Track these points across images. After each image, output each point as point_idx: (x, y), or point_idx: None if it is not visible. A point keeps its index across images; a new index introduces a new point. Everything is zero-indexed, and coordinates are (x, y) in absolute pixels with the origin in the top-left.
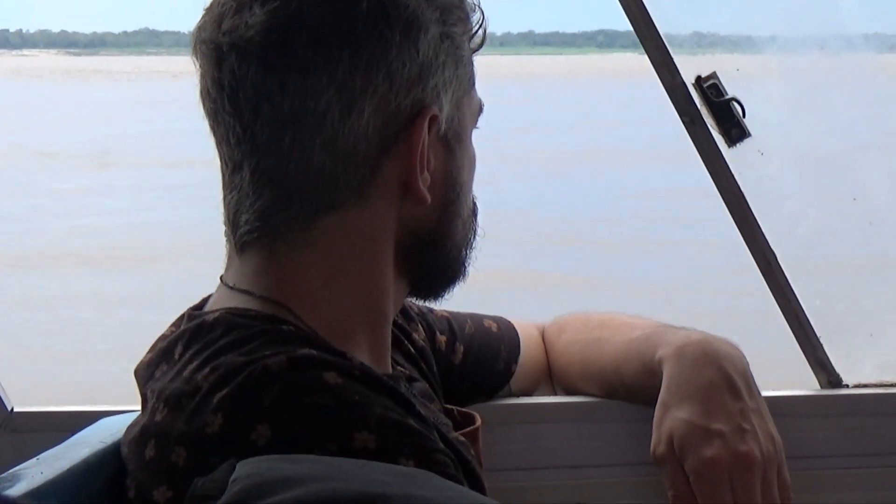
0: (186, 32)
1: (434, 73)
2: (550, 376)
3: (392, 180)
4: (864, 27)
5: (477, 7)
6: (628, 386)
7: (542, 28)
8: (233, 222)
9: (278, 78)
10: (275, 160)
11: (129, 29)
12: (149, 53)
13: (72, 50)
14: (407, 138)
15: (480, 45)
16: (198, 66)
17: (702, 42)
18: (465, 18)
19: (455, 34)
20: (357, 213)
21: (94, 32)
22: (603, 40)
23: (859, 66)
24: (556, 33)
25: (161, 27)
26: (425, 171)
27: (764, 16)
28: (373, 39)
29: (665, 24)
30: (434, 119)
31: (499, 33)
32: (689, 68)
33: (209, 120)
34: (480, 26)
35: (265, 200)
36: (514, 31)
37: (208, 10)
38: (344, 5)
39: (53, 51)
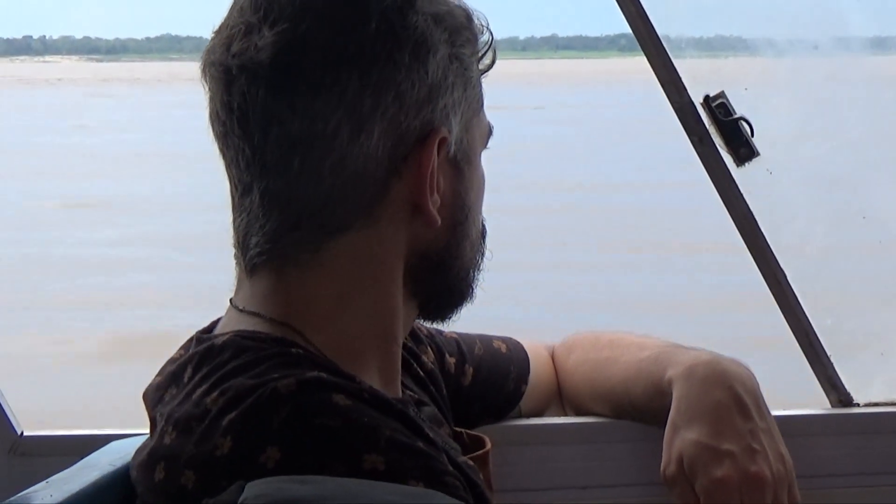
0: (207, 38)
1: (443, 94)
2: (560, 397)
3: (401, 202)
4: (868, 31)
5: (486, 29)
6: (638, 406)
7: (565, 32)
8: (242, 245)
9: (287, 100)
10: (284, 182)
11: (152, 35)
12: (171, 59)
13: (94, 56)
14: (416, 160)
15: (490, 67)
16: (207, 89)
17: (705, 47)
18: (474, 40)
19: (464, 55)
20: (366, 234)
21: (117, 38)
22: (625, 44)
23: (868, 76)
24: (580, 37)
25: (183, 33)
26: (435, 193)
27: (767, 20)
28: (381, 60)
29: (667, 27)
30: (443, 141)
31: (522, 37)
32: (697, 83)
33: (218, 143)
34: (489, 48)
35: (274, 223)
36: (538, 35)
37: (217, 33)
38: (353, 27)
39: (75, 57)
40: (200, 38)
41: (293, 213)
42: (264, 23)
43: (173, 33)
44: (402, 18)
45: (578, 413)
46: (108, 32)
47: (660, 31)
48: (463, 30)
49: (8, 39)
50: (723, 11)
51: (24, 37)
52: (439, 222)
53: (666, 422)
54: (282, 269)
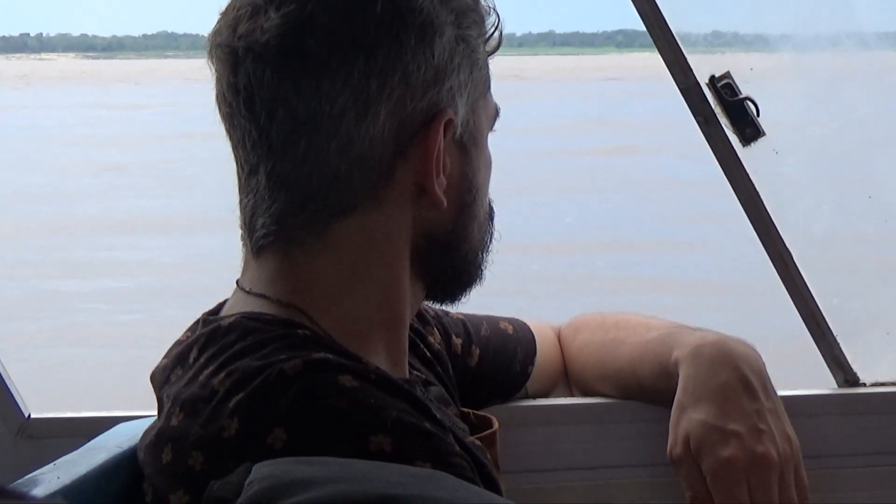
0: (204, 35)
1: (449, 76)
2: (567, 378)
3: (407, 183)
4: (878, 26)
5: (492, 10)
6: (644, 387)
7: (562, 28)
8: (249, 226)
9: (293, 82)
10: (290, 164)
11: (149, 32)
12: (167, 56)
13: (89, 53)
14: (422, 141)
15: (496, 49)
16: (213, 71)
17: (715, 41)
18: (481, 21)
19: (470, 37)
20: (372, 216)
21: (114, 36)
22: (622, 40)
23: (873, 65)
24: (577, 33)
25: (180, 30)
26: (441, 175)
27: (777, 14)
28: (387, 42)
29: (678, 23)
30: (450, 122)
31: (519, 34)
32: (703, 68)
33: (225, 124)
34: (496, 29)
35: (280, 204)
36: (535, 31)
37: (224, 15)
38: (358, 9)
39: (71, 54)
40: (197, 35)
41: (299, 194)
42: (270, 4)
43: (170, 31)
44: (408, 0)
45: (585, 394)
46: (106, 30)
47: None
48: (470, 11)
49: (5, 37)
50: (727, 6)
51: (22, 34)
52: (445, 204)
53: (672, 402)
54: (288, 250)
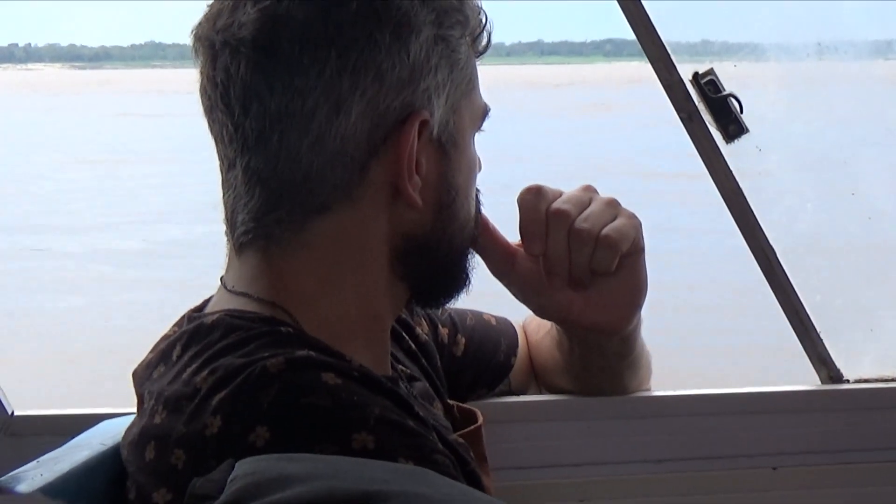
0: (190, 45)
1: (425, 76)
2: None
3: (381, 183)
4: (863, 33)
5: (481, 10)
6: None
7: (551, 37)
8: (230, 222)
9: (266, 77)
10: (264, 159)
11: (137, 42)
12: (153, 66)
13: (76, 63)
14: (396, 141)
15: (485, 49)
16: (197, 64)
17: (700, 50)
18: (465, 21)
19: (451, 37)
20: (347, 215)
21: (102, 46)
22: (610, 49)
23: (858, 70)
24: (565, 42)
25: (168, 40)
26: (415, 175)
27: (762, 22)
28: (361, 40)
29: (665, 31)
30: (425, 123)
31: (508, 43)
32: (688, 66)
33: (206, 117)
34: (483, 29)
35: (257, 200)
36: (524, 40)
37: (208, 9)
38: (333, 5)
39: (58, 64)
40: (185, 45)
41: (274, 191)
42: None
43: (158, 41)
44: None
45: (549, 389)
46: (94, 40)
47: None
48: (453, 11)
49: None
50: (713, 15)
51: (10, 45)
52: (420, 204)
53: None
54: (267, 248)
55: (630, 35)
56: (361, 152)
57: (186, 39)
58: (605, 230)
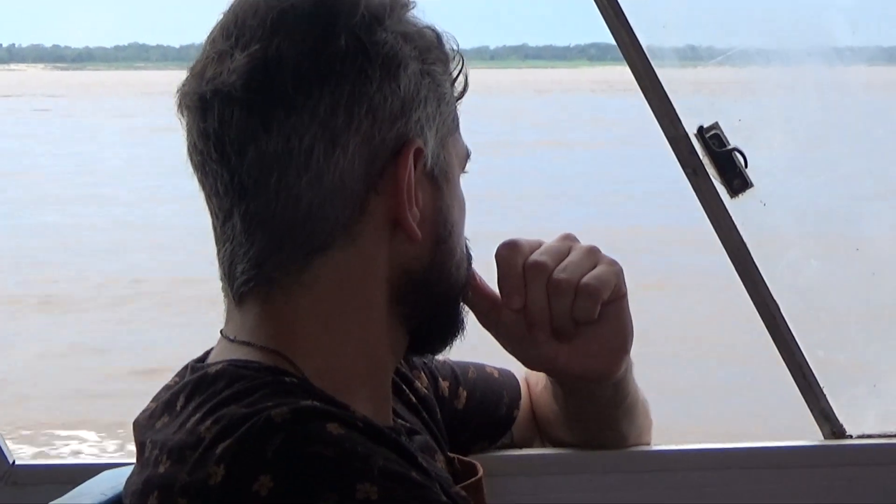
0: (177, 46)
1: (416, 108)
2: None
3: (381, 217)
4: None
5: (457, 53)
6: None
7: (535, 41)
8: (229, 275)
9: (262, 119)
10: (263, 203)
11: (121, 43)
12: (137, 68)
13: (59, 64)
14: (393, 173)
15: (463, 92)
16: (184, 124)
17: (688, 56)
18: (445, 59)
19: (435, 72)
20: (348, 252)
21: (86, 47)
22: (594, 53)
23: (863, 86)
24: (550, 46)
25: (152, 42)
26: (414, 207)
27: (752, 30)
28: (352, 75)
29: (650, 37)
30: (419, 152)
31: (493, 46)
32: (691, 114)
33: (197, 174)
34: (461, 72)
35: (258, 246)
36: (510, 44)
37: (191, 69)
38: (322, 44)
39: (41, 65)
40: (168, 46)
41: (275, 233)
42: (236, 47)
43: (141, 42)
44: (371, 35)
45: (551, 442)
46: (78, 41)
47: (643, 41)
48: (433, 48)
49: None
50: (707, 22)
51: None
52: (420, 236)
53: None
54: (268, 294)
55: (613, 39)
56: (360, 187)
57: (170, 41)
58: (585, 279)
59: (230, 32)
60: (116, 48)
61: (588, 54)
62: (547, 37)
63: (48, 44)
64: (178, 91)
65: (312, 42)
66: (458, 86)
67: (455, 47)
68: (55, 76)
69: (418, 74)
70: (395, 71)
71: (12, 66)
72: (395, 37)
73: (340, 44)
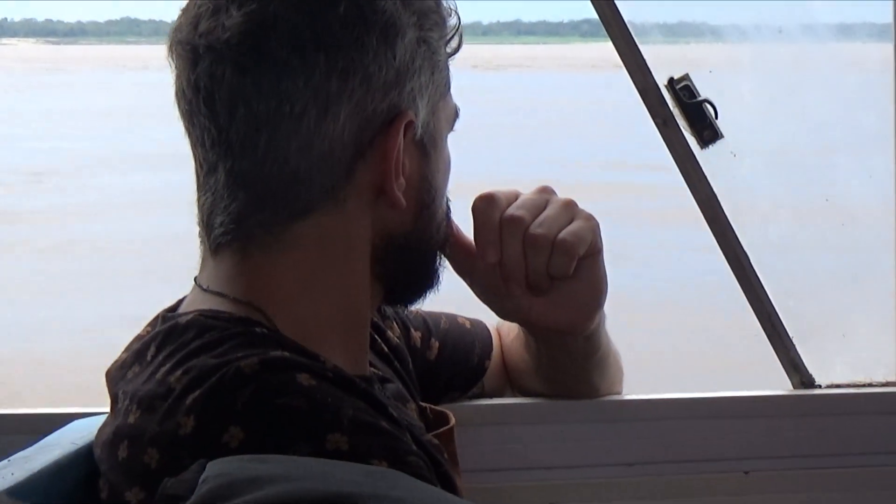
0: (168, 21)
1: (410, 78)
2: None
3: (367, 184)
4: (832, 17)
5: (453, 12)
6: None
7: (529, 17)
8: (207, 224)
9: (254, 80)
10: (250, 163)
11: (113, 17)
12: (128, 42)
13: (51, 39)
14: (382, 143)
15: (457, 50)
16: (173, 67)
17: (669, 32)
18: (442, 23)
19: (431, 39)
20: (332, 217)
21: (78, 21)
22: (587, 29)
23: (830, 59)
24: (543, 22)
25: (144, 16)
26: (400, 176)
27: (734, 6)
28: (349, 43)
29: (633, 13)
30: (410, 124)
31: (486, 22)
32: (661, 66)
33: (184, 121)
34: (456, 31)
35: (239, 203)
36: (503, 20)
37: (185, 12)
38: (321, 9)
39: (32, 39)
40: (161, 21)
41: (259, 193)
42: (232, 3)
43: (133, 16)
44: (371, 1)
45: (521, 392)
46: (70, 15)
47: (626, 15)
48: (431, 13)
49: None
50: None
51: None
52: (404, 205)
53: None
54: (246, 249)
55: None
56: (348, 154)
57: (162, 15)
58: (561, 234)
59: None
60: (108, 22)
61: (581, 30)
62: (540, 12)
63: (40, 18)
64: (169, 34)
65: (311, 7)
66: (453, 44)
67: (452, 6)
68: (47, 50)
69: (414, 43)
70: (393, 40)
71: (4, 40)
72: (395, 2)
73: (339, 10)
